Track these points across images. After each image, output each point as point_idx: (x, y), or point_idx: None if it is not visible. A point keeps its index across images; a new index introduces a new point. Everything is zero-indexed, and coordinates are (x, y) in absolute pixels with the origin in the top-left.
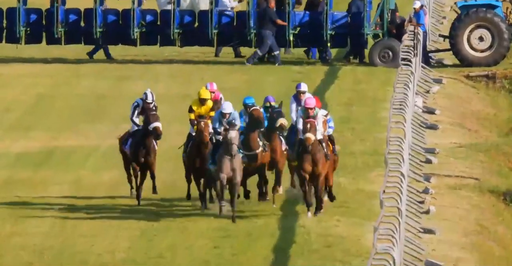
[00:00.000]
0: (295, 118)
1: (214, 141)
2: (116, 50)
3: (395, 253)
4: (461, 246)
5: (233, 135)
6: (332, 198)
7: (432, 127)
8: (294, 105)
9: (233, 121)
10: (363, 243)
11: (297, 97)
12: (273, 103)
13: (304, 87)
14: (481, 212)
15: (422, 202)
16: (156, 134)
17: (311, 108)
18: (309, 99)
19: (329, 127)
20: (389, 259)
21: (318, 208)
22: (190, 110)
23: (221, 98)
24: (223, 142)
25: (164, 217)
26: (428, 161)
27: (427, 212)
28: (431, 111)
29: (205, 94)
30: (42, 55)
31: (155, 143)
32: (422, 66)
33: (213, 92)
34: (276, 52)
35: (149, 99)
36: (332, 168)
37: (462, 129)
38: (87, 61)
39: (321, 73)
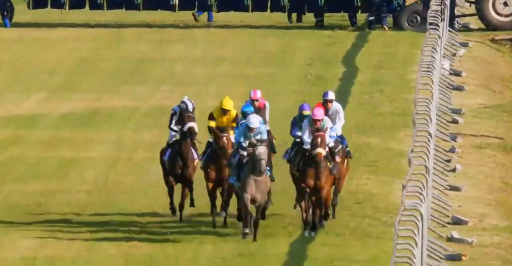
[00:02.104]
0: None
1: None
2: (156, 15)
3: (423, 209)
4: (486, 202)
5: (262, 150)
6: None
7: (459, 88)
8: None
9: (258, 135)
10: (392, 200)
11: (323, 106)
12: (308, 112)
13: (331, 95)
14: (505, 170)
15: (448, 161)
16: (191, 133)
17: (318, 120)
18: (316, 110)
19: (339, 119)
20: (417, 215)
21: (325, 218)
22: (211, 117)
23: (265, 106)
24: (250, 159)
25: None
26: (455, 121)
27: (454, 170)
28: (457, 74)
29: (228, 105)
30: (85, 20)
31: (194, 153)
32: (449, 30)
33: (257, 101)
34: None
35: (190, 109)
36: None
37: (487, 91)
38: (128, 26)
39: (352, 37)
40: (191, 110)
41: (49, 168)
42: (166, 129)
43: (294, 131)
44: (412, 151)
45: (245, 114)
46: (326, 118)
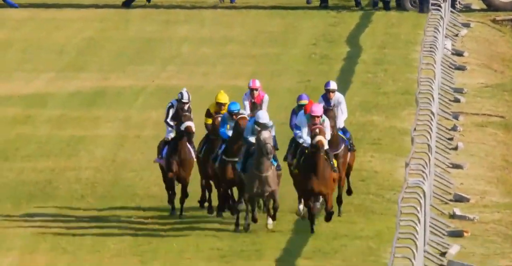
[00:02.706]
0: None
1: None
2: None
3: (426, 186)
4: (487, 180)
5: (266, 135)
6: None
7: (460, 68)
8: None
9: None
10: (395, 177)
11: (326, 96)
12: (305, 102)
13: (333, 85)
14: (507, 148)
15: (450, 139)
16: (188, 133)
17: (317, 117)
18: (315, 106)
19: (341, 112)
20: (420, 192)
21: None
22: (208, 114)
23: (262, 101)
24: (255, 146)
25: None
26: (457, 100)
27: (456, 148)
28: (459, 54)
29: (223, 98)
30: (93, 1)
31: (192, 152)
32: (451, 11)
33: (256, 90)
34: None
35: (185, 99)
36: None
37: (489, 70)
38: (134, 7)
39: (356, 17)
40: (186, 101)
41: (58, 146)
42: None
43: (293, 122)
44: (415, 129)
45: (231, 113)
46: (325, 116)
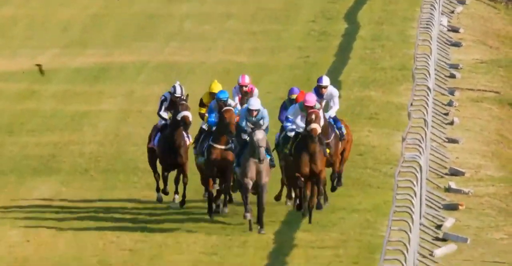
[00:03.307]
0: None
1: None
2: None
3: (422, 160)
4: (482, 154)
5: (260, 136)
6: (338, 183)
7: (456, 44)
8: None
9: (260, 121)
10: (392, 151)
11: (317, 91)
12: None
13: (326, 81)
14: (501, 123)
15: (446, 114)
16: (185, 123)
17: (310, 107)
18: (309, 96)
19: (333, 103)
20: (416, 167)
21: (318, 206)
22: (201, 104)
23: (252, 92)
24: (249, 144)
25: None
26: (452, 76)
27: (451, 123)
28: (455, 30)
29: (217, 88)
30: None
31: (186, 138)
32: None
33: (246, 86)
34: None
35: (178, 93)
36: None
37: (484, 46)
38: None
39: None
40: (178, 94)
41: (62, 121)
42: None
43: (282, 116)
44: (411, 104)
45: (219, 101)
46: (317, 105)
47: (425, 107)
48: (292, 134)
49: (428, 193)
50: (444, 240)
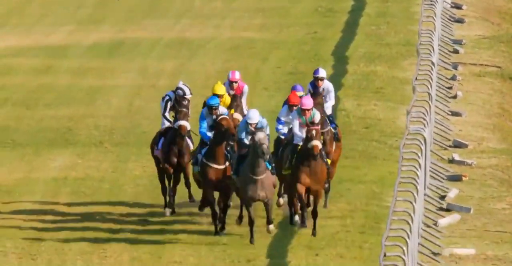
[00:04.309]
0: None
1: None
2: None
3: (426, 133)
4: (484, 127)
5: (261, 136)
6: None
7: (459, 21)
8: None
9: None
10: (397, 124)
11: (314, 84)
12: (301, 94)
13: (322, 73)
14: (503, 97)
15: (450, 88)
16: (180, 133)
17: (308, 110)
18: (305, 99)
19: (329, 99)
20: (421, 139)
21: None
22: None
23: (242, 92)
24: (250, 147)
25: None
26: (456, 51)
27: (455, 96)
28: (458, 7)
29: (220, 90)
30: None
31: (189, 142)
32: None
33: (236, 82)
34: None
35: (187, 94)
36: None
37: (486, 23)
38: None
39: None
40: (187, 96)
41: (78, 95)
42: (185, 59)
43: (279, 126)
44: (416, 78)
45: (210, 108)
46: (315, 110)
47: (429, 82)
48: (283, 137)
49: (432, 164)
50: (448, 210)
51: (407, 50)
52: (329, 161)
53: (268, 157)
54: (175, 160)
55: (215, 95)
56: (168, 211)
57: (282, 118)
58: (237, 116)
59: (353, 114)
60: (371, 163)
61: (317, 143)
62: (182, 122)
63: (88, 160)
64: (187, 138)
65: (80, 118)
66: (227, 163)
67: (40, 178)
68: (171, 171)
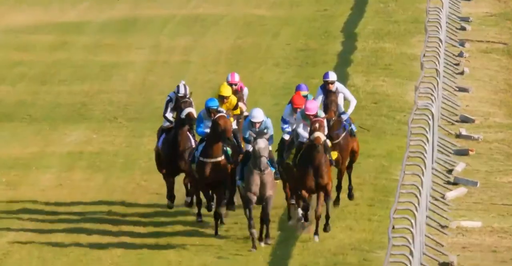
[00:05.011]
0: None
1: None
2: None
3: (434, 108)
4: (491, 102)
5: (262, 145)
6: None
7: None
8: (320, 98)
9: (264, 130)
10: (406, 100)
11: (324, 88)
12: (306, 93)
13: (332, 76)
14: (509, 73)
15: (457, 64)
16: (190, 118)
17: (312, 115)
18: (310, 103)
19: (348, 100)
20: (428, 114)
21: (327, 224)
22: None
23: (241, 90)
24: (251, 154)
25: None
26: (463, 28)
27: (462, 72)
28: None
29: (226, 91)
30: None
31: (192, 140)
32: None
33: (235, 85)
34: None
35: (181, 93)
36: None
37: (493, 0)
38: None
39: None
40: (182, 94)
41: (92, 71)
42: (198, 36)
43: (284, 125)
44: (424, 55)
45: (209, 110)
46: (320, 111)
47: (437, 58)
48: (287, 136)
49: (440, 139)
50: (455, 183)
51: (415, 27)
52: (334, 155)
53: (264, 170)
54: (175, 162)
55: (221, 96)
56: (170, 205)
57: (286, 118)
58: (242, 105)
59: (362, 90)
60: (380, 137)
61: (319, 134)
62: (189, 109)
63: (102, 135)
64: (189, 135)
65: (95, 94)
66: (223, 156)
67: (56, 152)
68: (172, 176)
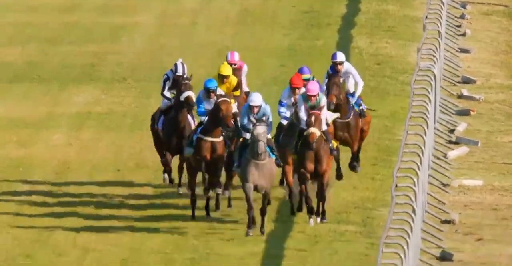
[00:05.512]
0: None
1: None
2: None
3: (436, 70)
4: (492, 63)
5: (260, 130)
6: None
7: None
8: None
9: (263, 117)
10: (408, 61)
11: (333, 68)
12: (308, 76)
13: (340, 57)
14: (510, 34)
15: (459, 26)
16: (188, 103)
17: (313, 96)
18: (311, 84)
19: (355, 82)
20: (431, 75)
21: (323, 212)
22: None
23: (242, 72)
24: (250, 142)
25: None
26: None
27: (463, 34)
28: None
29: (226, 70)
30: None
31: (191, 120)
32: None
33: (235, 64)
34: None
35: (179, 72)
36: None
37: None
38: None
39: None
40: (180, 73)
41: (102, 33)
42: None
43: (281, 109)
44: (426, 17)
45: (207, 90)
46: (321, 94)
47: (439, 20)
48: (285, 121)
49: (442, 99)
50: (456, 143)
51: None
52: (334, 144)
53: (263, 155)
54: (176, 144)
55: (221, 76)
56: (166, 178)
57: (284, 101)
58: (243, 86)
59: (365, 51)
60: (383, 98)
61: (313, 130)
62: (189, 92)
63: (111, 96)
64: (189, 118)
65: (104, 55)
66: (221, 137)
67: (65, 112)
68: (171, 157)
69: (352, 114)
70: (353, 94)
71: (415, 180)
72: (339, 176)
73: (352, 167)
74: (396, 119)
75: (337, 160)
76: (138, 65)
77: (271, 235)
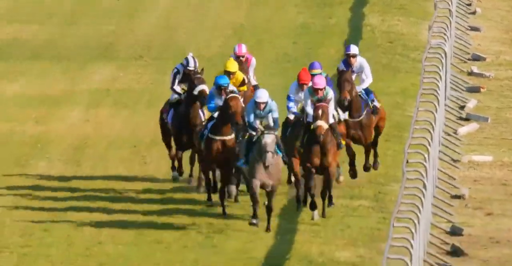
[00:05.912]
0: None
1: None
2: None
3: (446, 47)
4: (502, 41)
5: (269, 140)
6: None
7: None
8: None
9: (269, 116)
10: (420, 39)
11: (346, 62)
12: (318, 71)
13: (354, 49)
14: None
15: (469, 4)
16: (203, 97)
17: (320, 89)
18: (318, 78)
19: (366, 77)
20: (441, 53)
21: (330, 202)
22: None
23: (250, 65)
24: (257, 144)
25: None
26: None
27: (474, 12)
28: None
29: (232, 66)
30: None
31: (202, 114)
32: None
33: (243, 57)
34: None
35: (191, 66)
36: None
37: None
38: None
39: None
40: (192, 68)
41: (118, 12)
42: None
43: (290, 104)
44: None
45: (219, 87)
46: (328, 88)
47: None
48: (292, 116)
49: (452, 76)
50: (467, 119)
51: None
52: (343, 142)
53: (269, 166)
54: (186, 139)
55: (227, 72)
56: (176, 175)
57: (292, 96)
58: (251, 80)
59: (378, 29)
60: (394, 75)
61: (321, 123)
62: (203, 86)
63: (128, 73)
64: (201, 113)
65: (121, 33)
66: (232, 134)
67: (84, 90)
68: (181, 152)
69: (365, 112)
70: (366, 91)
71: (426, 155)
72: (353, 175)
73: (366, 168)
74: (407, 96)
75: (352, 159)
76: (154, 43)
77: (284, 210)
